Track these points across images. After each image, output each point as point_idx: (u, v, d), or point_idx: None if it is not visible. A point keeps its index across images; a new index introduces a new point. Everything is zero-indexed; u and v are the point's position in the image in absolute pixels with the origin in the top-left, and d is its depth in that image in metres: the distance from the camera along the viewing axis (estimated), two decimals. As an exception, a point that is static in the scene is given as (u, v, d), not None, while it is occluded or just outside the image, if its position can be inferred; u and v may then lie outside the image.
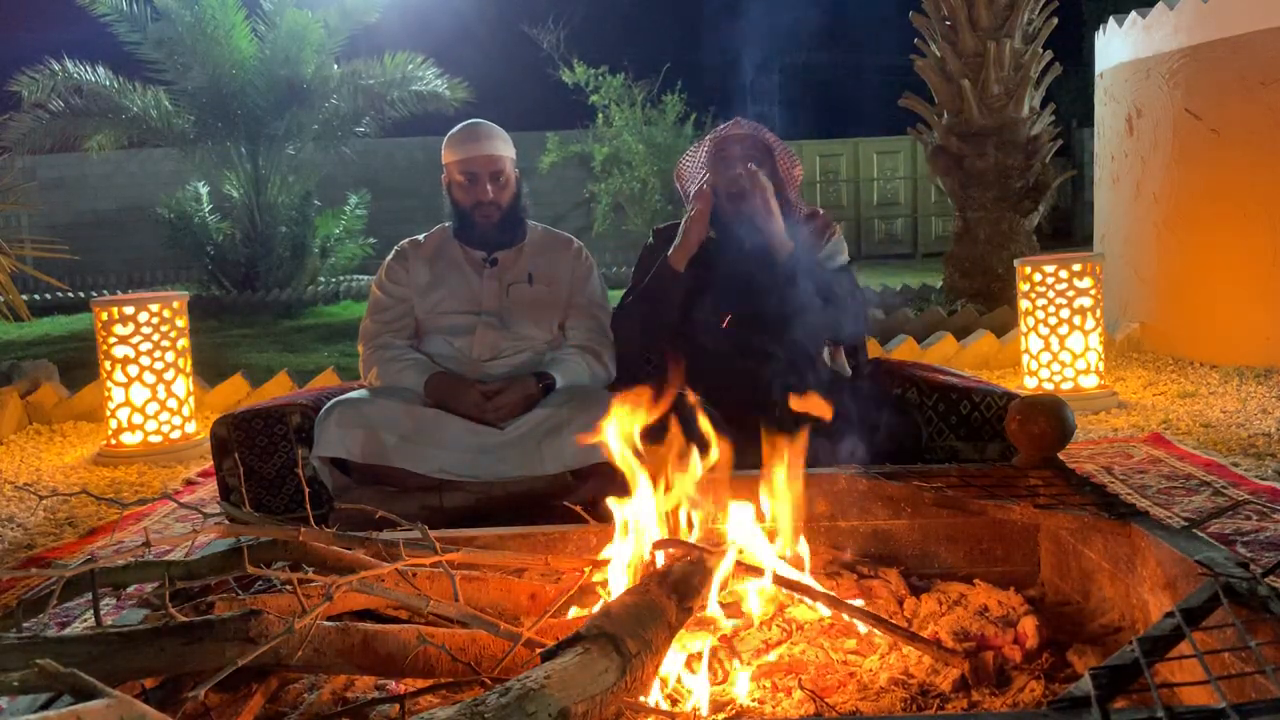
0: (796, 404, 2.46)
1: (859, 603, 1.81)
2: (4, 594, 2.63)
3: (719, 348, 2.67)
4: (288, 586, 1.63)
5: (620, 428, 1.82)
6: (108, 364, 4.37)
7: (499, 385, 2.65)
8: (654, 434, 1.90)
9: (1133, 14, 5.91)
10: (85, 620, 2.37)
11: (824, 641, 1.76)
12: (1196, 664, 1.20)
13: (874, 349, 5.05)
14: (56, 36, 11.10)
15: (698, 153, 2.87)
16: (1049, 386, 4.63)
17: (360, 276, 11.51)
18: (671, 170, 3.20)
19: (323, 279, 11.38)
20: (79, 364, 6.17)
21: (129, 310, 4.35)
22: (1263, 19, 5.01)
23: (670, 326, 2.72)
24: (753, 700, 1.58)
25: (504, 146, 2.85)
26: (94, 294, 10.84)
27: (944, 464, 2.36)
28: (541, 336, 2.82)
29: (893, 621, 1.74)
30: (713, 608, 1.70)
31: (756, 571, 1.77)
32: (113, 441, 4.42)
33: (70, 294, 10.10)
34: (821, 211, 2.90)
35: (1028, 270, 4.75)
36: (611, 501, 1.83)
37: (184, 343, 4.49)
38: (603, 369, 2.82)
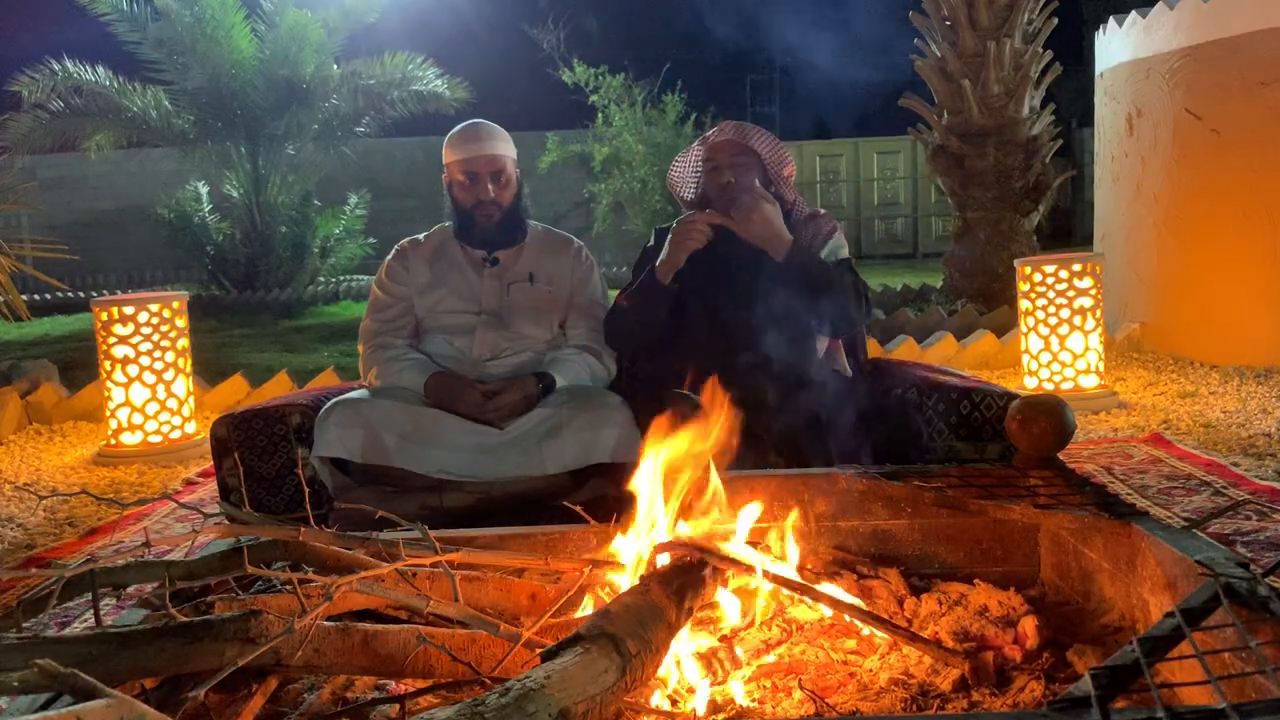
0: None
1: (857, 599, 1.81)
2: (4, 594, 2.63)
3: (713, 345, 2.66)
4: (288, 586, 1.63)
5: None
6: (108, 364, 4.37)
7: (499, 385, 2.65)
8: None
9: (1133, 14, 5.91)
10: (85, 620, 2.37)
11: (824, 641, 1.76)
12: (1196, 664, 1.20)
13: (874, 349, 5.05)
14: (56, 36, 11.10)
15: (686, 159, 2.86)
16: (1049, 386, 4.64)
17: (360, 276, 11.51)
18: (672, 170, 3.19)
19: (323, 279, 11.38)
20: (79, 364, 6.18)
21: (129, 310, 4.35)
22: (1263, 19, 5.01)
23: (659, 331, 2.71)
24: (753, 700, 1.58)
25: (505, 146, 2.85)
26: (94, 294, 10.83)
27: (944, 464, 2.36)
28: (542, 336, 2.82)
29: (893, 621, 1.74)
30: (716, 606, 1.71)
31: (754, 571, 1.77)
32: (113, 441, 4.42)
33: (70, 294, 10.10)
34: (823, 212, 2.89)
35: (1028, 270, 4.75)
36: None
37: (184, 343, 4.49)
38: (603, 369, 2.82)
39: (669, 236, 2.65)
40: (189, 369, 4.56)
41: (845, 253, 2.81)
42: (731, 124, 2.74)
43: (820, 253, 2.77)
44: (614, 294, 3.03)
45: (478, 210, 2.82)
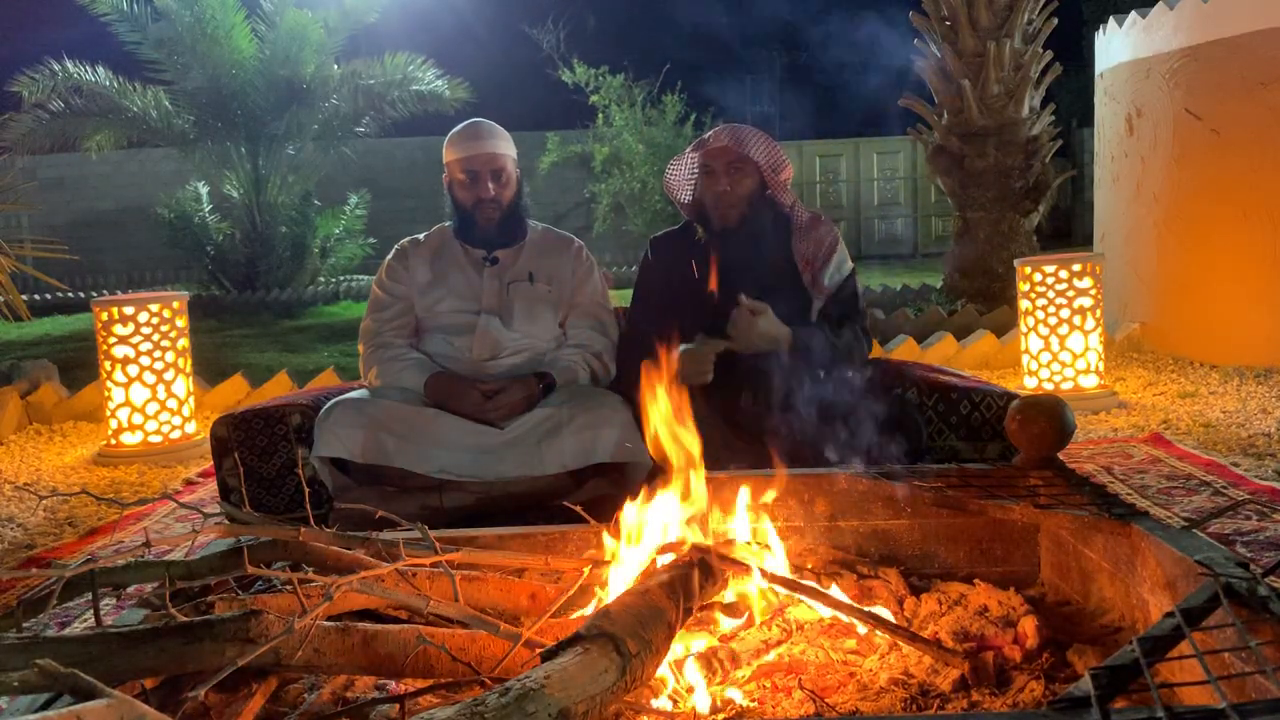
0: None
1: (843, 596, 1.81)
2: (4, 594, 2.63)
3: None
4: (288, 586, 1.63)
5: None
6: (108, 364, 4.37)
7: (501, 384, 2.65)
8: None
9: (1133, 14, 5.91)
10: (85, 620, 2.37)
11: (824, 641, 1.76)
12: (1196, 664, 1.20)
13: (874, 349, 5.05)
14: (56, 36, 11.11)
15: (681, 163, 2.84)
16: (1049, 386, 4.64)
17: (360, 276, 11.52)
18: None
19: (323, 279, 11.39)
20: (79, 364, 6.18)
21: (129, 310, 4.35)
22: (1263, 19, 5.01)
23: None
24: (753, 700, 1.58)
25: (505, 145, 2.85)
26: (94, 294, 10.83)
27: (944, 464, 2.36)
28: (542, 335, 2.82)
29: (893, 621, 1.74)
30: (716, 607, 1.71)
31: (753, 572, 1.77)
32: (113, 441, 4.42)
33: (70, 294, 10.10)
34: (823, 218, 2.87)
35: (1028, 270, 4.75)
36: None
37: (184, 343, 4.49)
38: (603, 369, 2.82)
39: (679, 362, 2.61)
40: (189, 369, 4.56)
41: (849, 266, 2.81)
42: (727, 130, 2.70)
43: (824, 275, 2.75)
44: (614, 294, 3.03)
45: (478, 209, 2.82)
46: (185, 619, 1.49)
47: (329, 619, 1.59)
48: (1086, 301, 4.63)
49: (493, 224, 2.84)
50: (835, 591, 1.81)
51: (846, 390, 2.62)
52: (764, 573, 1.75)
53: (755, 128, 2.75)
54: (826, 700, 1.56)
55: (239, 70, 10.22)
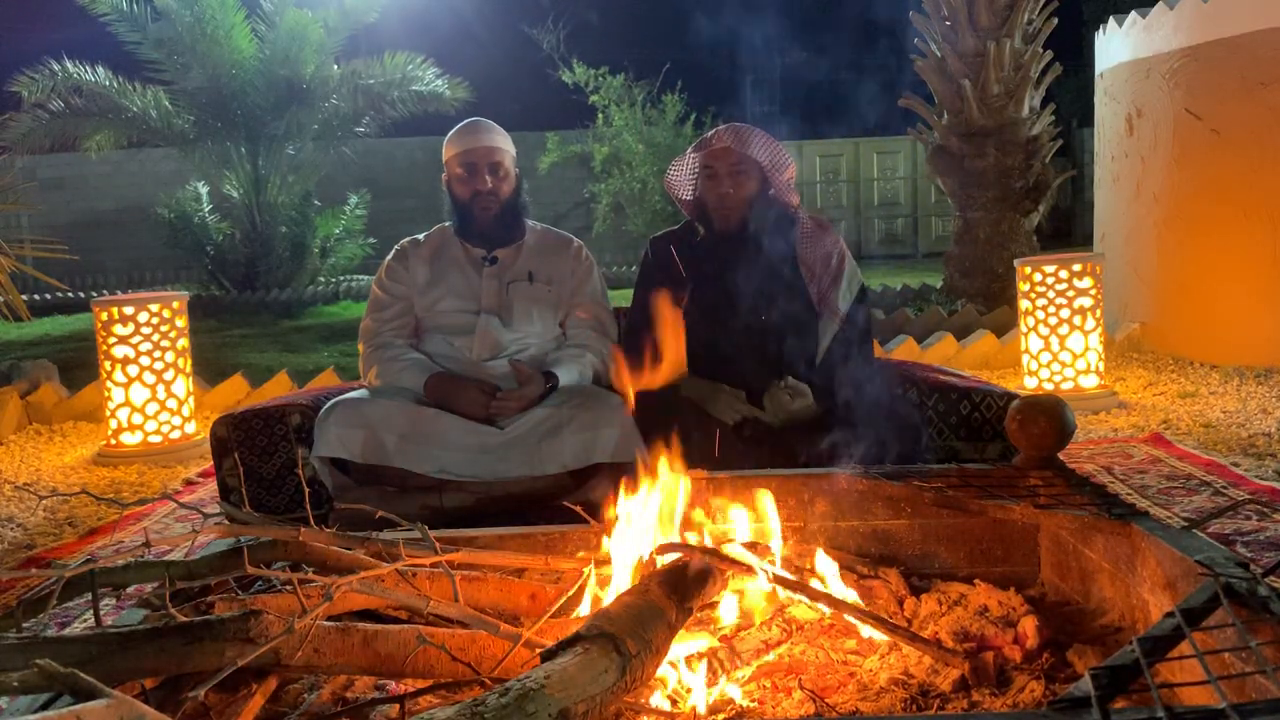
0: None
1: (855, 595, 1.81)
2: (4, 594, 2.63)
3: (719, 351, 2.67)
4: (288, 586, 1.63)
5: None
6: (108, 364, 4.37)
7: (524, 371, 2.65)
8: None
9: (1133, 14, 5.91)
10: (85, 620, 2.37)
11: (824, 641, 1.76)
12: (1196, 664, 1.20)
13: (874, 349, 5.05)
14: (56, 36, 11.11)
15: (683, 164, 2.83)
16: (1049, 386, 4.64)
17: (360, 276, 11.51)
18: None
19: (323, 279, 11.38)
20: (79, 364, 6.17)
21: (129, 310, 4.35)
22: (1263, 19, 5.01)
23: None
24: (753, 700, 1.58)
25: (503, 141, 2.86)
26: (94, 294, 10.82)
27: (944, 464, 2.36)
28: (541, 335, 2.82)
29: (893, 621, 1.74)
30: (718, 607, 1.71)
31: (754, 572, 1.77)
32: (113, 441, 4.42)
33: (70, 294, 10.10)
34: (827, 224, 2.84)
35: (1028, 270, 4.75)
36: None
37: (184, 343, 4.49)
38: (604, 368, 2.82)
39: (708, 393, 2.62)
40: (189, 369, 4.56)
41: (859, 280, 2.81)
42: (729, 130, 2.67)
43: (836, 296, 2.74)
44: (614, 294, 3.02)
45: (475, 202, 2.82)
46: (185, 619, 1.48)
47: (329, 619, 1.59)
48: (1086, 301, 4.63)
49: (490, 216, 2.83)
50: (835, 590, 1.81)
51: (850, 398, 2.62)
52: (767, 574, 1.75)
53: (757, 126, 2.74)
54: (826, 700, 1.56)
55: (239, 70, 10.21)
